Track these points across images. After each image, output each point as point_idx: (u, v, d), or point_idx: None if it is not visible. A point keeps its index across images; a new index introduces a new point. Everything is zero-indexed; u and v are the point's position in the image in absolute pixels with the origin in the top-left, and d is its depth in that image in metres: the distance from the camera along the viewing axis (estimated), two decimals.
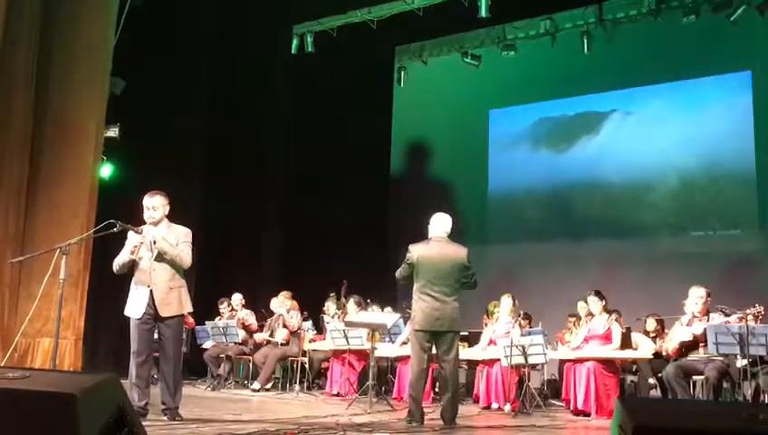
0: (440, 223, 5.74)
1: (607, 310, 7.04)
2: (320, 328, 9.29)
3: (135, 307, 5.02)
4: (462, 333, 7.50)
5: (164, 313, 5.00)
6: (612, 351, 6.86)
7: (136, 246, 5.01)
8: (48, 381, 2.78)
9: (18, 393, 2.66)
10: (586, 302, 7.32)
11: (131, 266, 5.09)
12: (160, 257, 5.02)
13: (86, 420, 2.58)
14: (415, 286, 5.63)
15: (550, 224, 11.27)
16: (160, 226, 5.12)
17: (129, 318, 5.08)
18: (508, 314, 7.65)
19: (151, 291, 5.00)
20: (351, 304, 8.50)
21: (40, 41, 7.10)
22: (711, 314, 6.45)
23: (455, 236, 5.80)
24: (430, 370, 6.67)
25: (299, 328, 8.74)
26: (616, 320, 6.98)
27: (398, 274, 5.78)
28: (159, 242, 5.01)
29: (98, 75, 7.33)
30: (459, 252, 5.62)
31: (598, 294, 7.06)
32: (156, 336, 5.19)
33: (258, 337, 9.15)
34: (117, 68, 7.71)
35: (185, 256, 5.10)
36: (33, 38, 7.03)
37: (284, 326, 8.77)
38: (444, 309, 5.48)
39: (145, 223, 5.13)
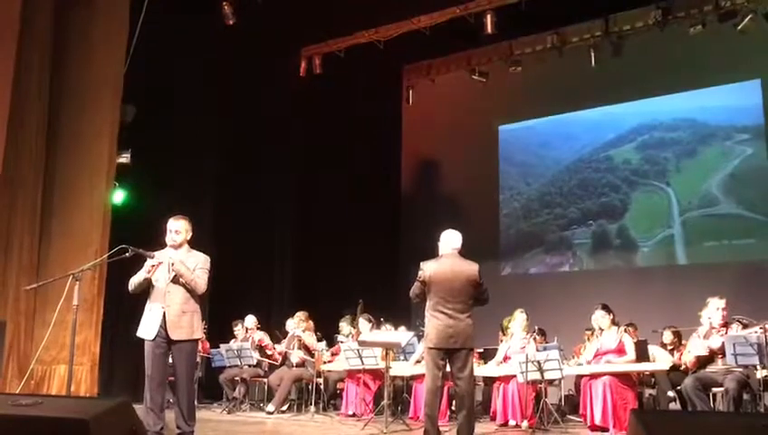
0: (450, 240, 5.72)
1: (615, 323, 6.97)
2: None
3: (148, 328, 5.02)
4: (477, 350, 7.49)
5: (174, 336, 4.99)
6: (629, 364, 6.79)
7: (154, 265, 5.03)
8: (61, 408, 2.80)
9: (31, 420, 2.68)
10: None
11: (147, 288, 5.11)
12: (176, 279, 5.04)
13: None
14: (427, 304, 5.60)
15: (563, 237, 11.23)
16: (181, 250, 5.16)
17: (144, 343, 5.07)
18: (523, 330, 7.59)
19: (164, 312, 5.01)
20: (363, 323, 8.47)
21: (52, 69, 7.23)
22: (729, 325, 6.38)
23: (467, 252, 5.76)
24: (446, 388, 6.65)
25: (315, 347, 8.70)
26: (625, 331, 6.89)
27: (411, 292, 5.77)
28: (177, 264, 5.03)
29: (109, 103, 7.43)
30: (471, 268, 5.59)
31: (605, 307, 6.98)
32: (170, 361, 5.19)
33: (277, 349, 9.10)
34: (127, 95, 7.79)
35: (200, 281, 5.12)
36: (45, 66, 7.16)
37: (302, 346, 8.73)
38: (457, 326, 5.45)
39: (164, 246, 5.16)
